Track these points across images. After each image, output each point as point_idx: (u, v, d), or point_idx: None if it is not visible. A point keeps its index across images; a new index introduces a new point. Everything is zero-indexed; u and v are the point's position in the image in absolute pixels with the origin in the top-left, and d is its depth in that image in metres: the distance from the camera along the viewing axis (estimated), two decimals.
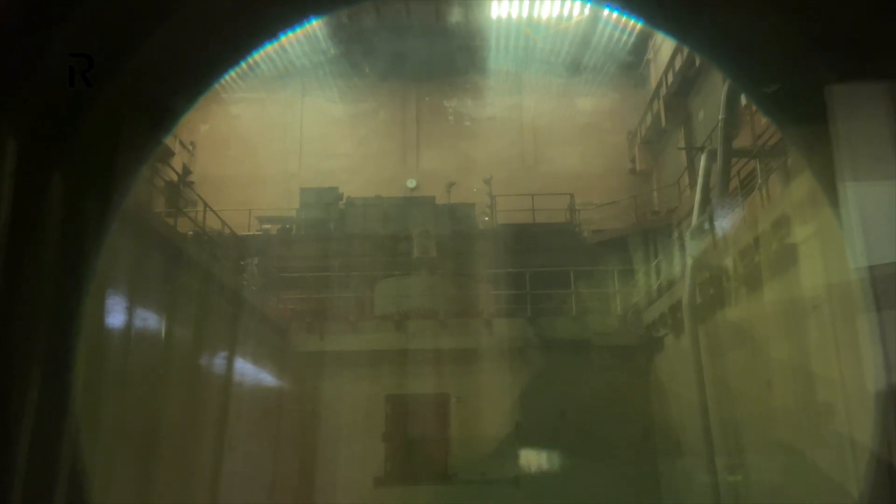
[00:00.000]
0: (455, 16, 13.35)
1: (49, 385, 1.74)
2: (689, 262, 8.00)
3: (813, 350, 5.15)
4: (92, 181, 1.85)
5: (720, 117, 8.02)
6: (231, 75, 12.51)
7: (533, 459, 9.24)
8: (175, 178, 10.01)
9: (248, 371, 6.92)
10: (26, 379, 1.68)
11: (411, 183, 13.65)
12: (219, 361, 5.45)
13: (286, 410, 7.26)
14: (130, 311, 3.76)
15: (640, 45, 13.51)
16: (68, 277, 1.82)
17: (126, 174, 1.96)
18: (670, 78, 11.75)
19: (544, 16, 13.01)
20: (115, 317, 3.57)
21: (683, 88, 11.39)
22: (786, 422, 5.78)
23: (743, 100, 7.70)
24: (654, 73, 13.09)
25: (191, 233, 8.83)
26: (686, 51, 10.73)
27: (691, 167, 10.68)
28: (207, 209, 9.29)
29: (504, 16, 13.11)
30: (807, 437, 5.39)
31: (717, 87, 8.96)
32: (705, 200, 8.22)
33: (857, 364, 4.10)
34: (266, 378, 8.05)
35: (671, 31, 2.19)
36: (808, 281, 5.23)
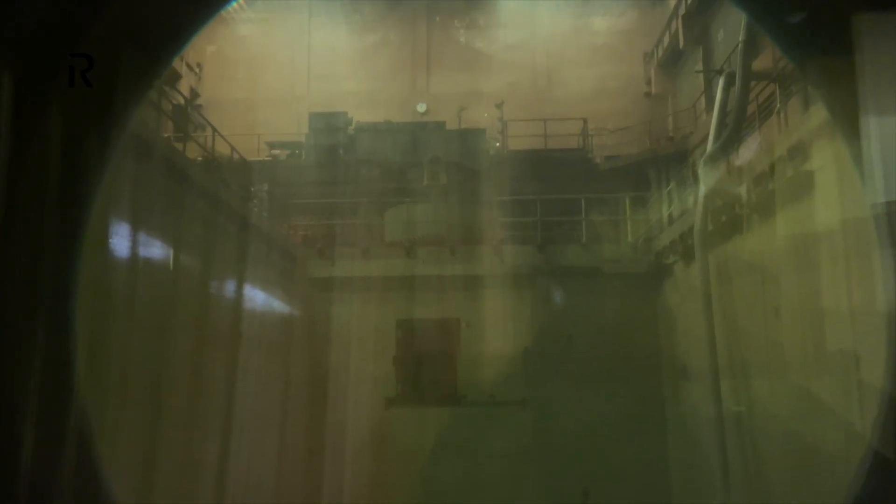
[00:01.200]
0: None
1: (51, 315, 1.75)
2: (703, 188, 7.90)
3: (824, 281, 5.13)
4: (91, 112, 1.81)
5: (740, 38, 7.76)
6: None
7: (540, 383, 9.42)
8: (182, 101, 9.90)
9: (259, 297, 7.00)
10: (28, 310, 1.69)
11: (421, 107, 13.41)
12: (229, 288, 5.50)
13: (298, 335, 7.39)
14: (137, 239, 3.76)
15: None
16: (69, 209, 1.81)
17: (126, 104, 1.92)
18: None
19: None
20: (121, 245, 3.57)
21: (703, 6, 10.96)
22: (793, 351, 5.83)
23: None
24: None
25: (199, 158, 8.78)
26: None
27: (708, 91, 10.41)
28: (216, 134, 9.20)
29: None
30: (814, 367, 5.44)
31: None
32: (721, 125, 8.05)
33: (868, 296, 4.09)
34: (277, 304, 8.15)
35: None
36: (823, 210, 5.16)
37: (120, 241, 3.51)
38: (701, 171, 8.04)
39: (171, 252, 4.31)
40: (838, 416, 4.88)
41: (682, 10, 11.68)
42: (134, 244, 3.72)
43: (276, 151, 12.66)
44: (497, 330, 9.60)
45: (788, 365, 5.94)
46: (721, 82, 8.34)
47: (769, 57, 7.86)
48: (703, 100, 10.85)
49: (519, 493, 9.04)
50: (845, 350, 4.77)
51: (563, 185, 10.81)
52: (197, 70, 13.34)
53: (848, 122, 1.76)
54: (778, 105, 7.17)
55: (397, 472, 8.66)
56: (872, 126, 1.77)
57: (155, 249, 4.03)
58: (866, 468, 2.12)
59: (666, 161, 11.21)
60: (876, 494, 1.94)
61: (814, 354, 5.38)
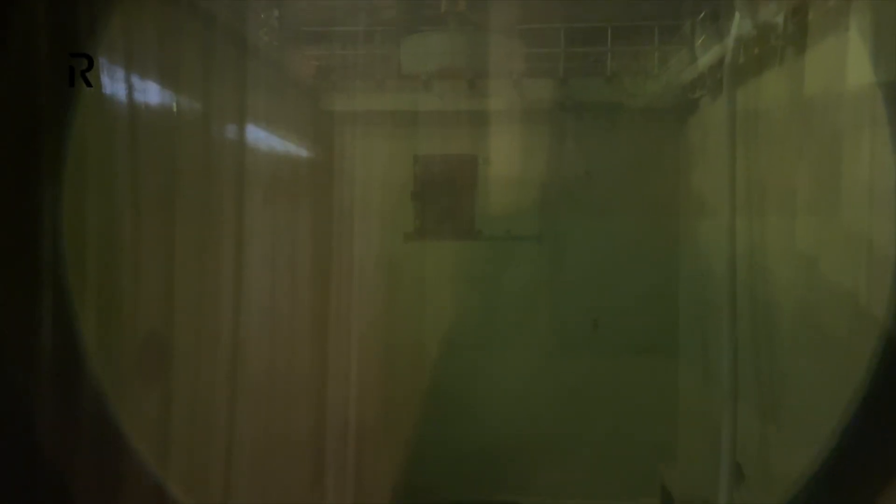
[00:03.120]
0: None
1: (39, 148, 1.73)
2: (737, 15, 7.41)
3: (853, 126, 4.92)
4: None
5: None
6: None
7: (556, 218, 9.50)
8: None
9: (271, 132, 6.92)
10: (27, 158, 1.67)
11: None
12: (238, 124, 5.40)
13: (312, 172, 7.38)
14: (136, 77, 3.64)
15: None
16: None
17: None
18: None
19: None
20: (119, 83, 3.46)
21: None
22: (812, 191, 5.74)
23: None
24: None
25: None
26: None
27: None
28: None
29: None
30: (831, 206, 5.37)
31: None
32: None
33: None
34: (291, 136, 8.07)
35: None
36: (859, 46, 4.84)
37: (114, 80, 3.37)
38: None
39: (176, 88, 4.19)
40: (854, 253, 4.90)
41: None
42: (130, 83, 3.59)
43: None
44: (515, 166, 9.54)
45: (807, 206, 5.88)
46: None
47: None
48: None
49: (531, 323, 9.44)
50: (862, 189, 4.69)
51: (589, 13, 10.20)
52: None
53: None
54: None
55: (414, 302, 9.00)
56: None
57: (154, 89, 3.91)
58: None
59: None
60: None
61: (831, 195, 5.29)
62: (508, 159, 9.38)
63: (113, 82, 3.33)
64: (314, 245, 6.66)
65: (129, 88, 3.59)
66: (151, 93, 4.01)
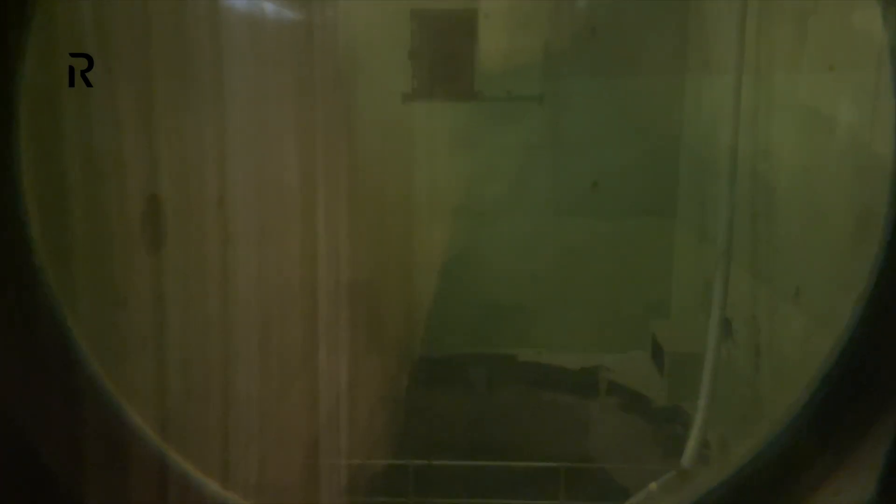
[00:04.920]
0: None
1: None
2: None
3: None
4: None
5: None
6: None
7: (558, 78, 9.26)
8: None
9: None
10: None
11: None
12: None
13: (305, 33, 7.04)
14: None
15: None
16: None
17: None
18: None
19: None
20: None
21: None
22: (823, 50, 5.55)
23: None
24: None
25: None
26: None
27: None
28: None
29: None
30: (842, 68, 5.22)
31: None
32: None
33: None
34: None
35: None
36: None
37: None
38: None
39: None
40: (863, 116, 4.83)
41: None
42: None
43: None
44: (516, 21, 9.16)
45: (817, 65, 5.71)
46: None
47: None
48: None
49: (530, 183, 9.47)
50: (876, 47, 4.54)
51: None
52: None
53: None
54: None
55: (412, 163, 8.98)
56: None
57: None
58: None
59: None
60: None
61: (844, 54, 5.13)
62: (510, 14, 8.99)
63: None
64: (305, 109, 6.52)
65: None
66: None
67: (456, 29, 9.22)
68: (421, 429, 7.92)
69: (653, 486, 6.83)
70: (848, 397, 1.89)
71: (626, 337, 9.52)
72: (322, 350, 6.20)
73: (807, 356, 5.79)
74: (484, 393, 9.36)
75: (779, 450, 1.94)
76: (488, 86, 9.27)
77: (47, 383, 2.15)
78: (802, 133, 5.87)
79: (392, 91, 9.16)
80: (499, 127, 9.32)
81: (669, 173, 9.14)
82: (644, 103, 9.02)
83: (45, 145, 2.73)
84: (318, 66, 5.80)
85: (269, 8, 5.81)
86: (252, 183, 4.85)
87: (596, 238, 9.47)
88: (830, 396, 1.87)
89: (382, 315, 7.87)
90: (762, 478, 1.92)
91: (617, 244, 9.45)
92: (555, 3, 9.01)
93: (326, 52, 6.39)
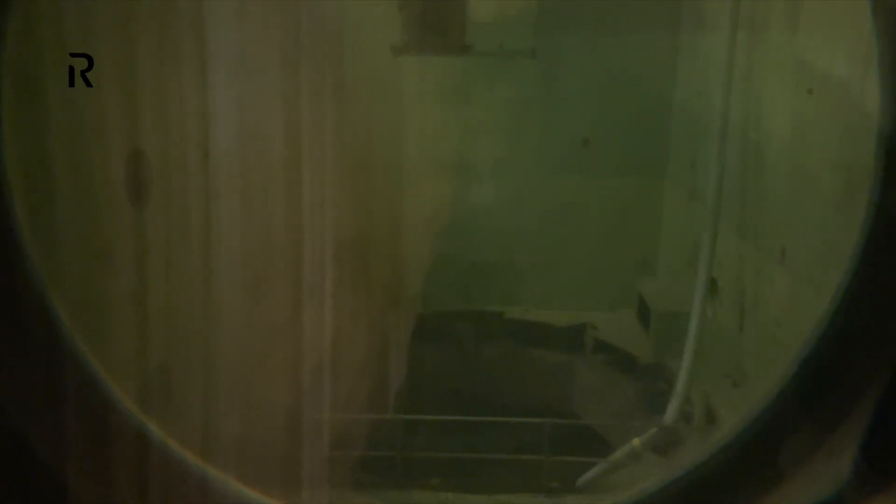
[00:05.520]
0: None
1: None
2: None
3: None
4: None
5: None
6: None
7: (551, 32, 9.10)
8: None
9: None
10: None
11: None
12: None
13: None
14: None
15: None
16: None
17: None
18: None
19: None
20: None
21: None
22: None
23: None
24: None
25: None
26: None
27: None
28: None
29: None
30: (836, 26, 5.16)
31: None
32: None
33: None
34: None
35: None
36: None
37: None
38: None
39: None
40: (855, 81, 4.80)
41: None
42: None
43: None
44: None
45: (807, 24, 5.65)
46: None
47: None
48: None
49: (521, 140, 9.40)
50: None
51: None
52: None
53: None
54: None
55: (402, 119, 8.87)
56: None
57: None
58: None
59: None
60: None
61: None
62: None
63: None
64: (292, 64, 6.38)
65: None
66: None
67: None
68: (409, 383, 8.02)
69: (636, 441, 6.99)
70: (835, 370, 1.91)
71: (613, 295, 9.58)
72: (309, 305, 6.22)
73: (790, 316, 5.87)
74: (471, 349, 9.46)
75: (766, 421, 1.96)
76: (480, 39, 9.09)
77: (27, 351, 2.12)
78: (794, 94, 5.83)
79: (381, 44, 8.98)
80: (490, 81, 9.21)
81: (661, 131, 9.08)
82: (637, 60, 8.89)
83: (27, 110, 2.68)
84: (305, 19, 5.67)
85: None
86: (238, 138, 4.79)
87: (586, 196, 9.45)
88: (818, 365, 1.88)
89: (370, 271, 7.87)
90: (751, 448, 1.95)
91: (606, 203, 9.44)
92: None
93: (314, 4, 6.25)
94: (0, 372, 2.00)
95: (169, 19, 3.85)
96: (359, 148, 7.55)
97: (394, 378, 8.01)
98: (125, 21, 3.41)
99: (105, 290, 3.35)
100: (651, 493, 1.94)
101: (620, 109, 9.11)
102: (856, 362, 1.92)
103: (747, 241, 6.82)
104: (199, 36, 4.19)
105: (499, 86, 9.25)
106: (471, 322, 9.46)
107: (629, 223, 9.45)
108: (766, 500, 1.84)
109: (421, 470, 6.77)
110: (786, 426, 1.97)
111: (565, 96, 9.28)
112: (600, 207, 9.49)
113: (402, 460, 6.82)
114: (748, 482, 1.91)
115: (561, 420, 7.13)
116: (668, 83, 8.93)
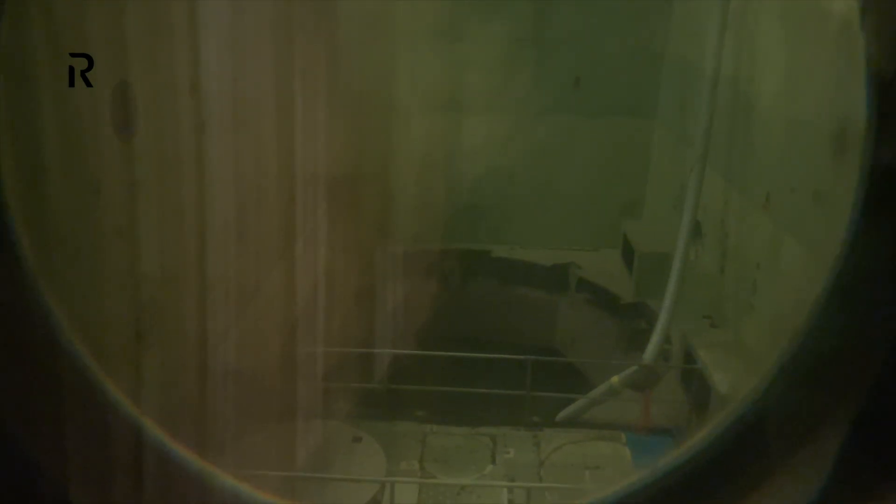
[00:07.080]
0: None
1: None
2: None
3: None
4: None
5: None
6: None
7: None
8: None
9: None
10: None
11: None
12: None
13: None
14: None
15: None
16: None
17: None
18: None
19: None
20: None
21: None
22: None
23: None
24: None
25: None
26: None
27: None
28: None
29: None
30: None
31: None
32: None
33: None
34: None
35: None
36: None
37: None
38: None
39: None
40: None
41: None
42: None
43: None
44: None
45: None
46: None
47: None
48: None
49: (513, 79, 9.29)
50: None
51: None
52: None
53: None
54: None
55: (393, 57, 8.71)
56: None
57: None
58: None
59: None
60: None
61: None
62: None
63: None
64: (285, 2, 6.22)
65: None
66: None
67: None
68: (395, 319, 8.14)
69: (615, 379, 7.20)
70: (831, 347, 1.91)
71: (598, 235, 9.69)
72: (299, 241, 6.26)
73: (771, 260, 6.00)
74: (458, 286, 9.59)
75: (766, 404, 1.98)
76: None
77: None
78: (787, 40, 5.80)
79: None
80: (481, 20, 9.03)
81: (652, 74, 9.02)
82: (632, 2, 8.76)
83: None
84: None
85: None
86: (226, 72, 4.72)
87: (575, 136, 9.44)
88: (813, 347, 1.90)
89: (358, 208, 7.89)
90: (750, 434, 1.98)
91: (595, 143, 9.44)
92: None
93: None
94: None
95: None
96: (351, 86, 7.45)
97: (380, 314, 8.12)
98: None
99: (98, 219, 3.37)
100: (632, 493, 1.98)
101: (613, 51, 9.02)
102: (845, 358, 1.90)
103: (733, 185, 6.89)
104: None
105: (490, 24, 9.09)
106: (457, 260, 9.56)
107: (617, 164, 9.49)
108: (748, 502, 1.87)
109: (406, 403, 6.95)
110: (774, 418, 1.97)
111: (559, 35, 9.15)
112: (589, 148, 9.49)
113: (387, 393, 6.99)
114: (730, 483, 1.93)
115: (543, 357, 7.30)
116: (661, 26, 8.83)
